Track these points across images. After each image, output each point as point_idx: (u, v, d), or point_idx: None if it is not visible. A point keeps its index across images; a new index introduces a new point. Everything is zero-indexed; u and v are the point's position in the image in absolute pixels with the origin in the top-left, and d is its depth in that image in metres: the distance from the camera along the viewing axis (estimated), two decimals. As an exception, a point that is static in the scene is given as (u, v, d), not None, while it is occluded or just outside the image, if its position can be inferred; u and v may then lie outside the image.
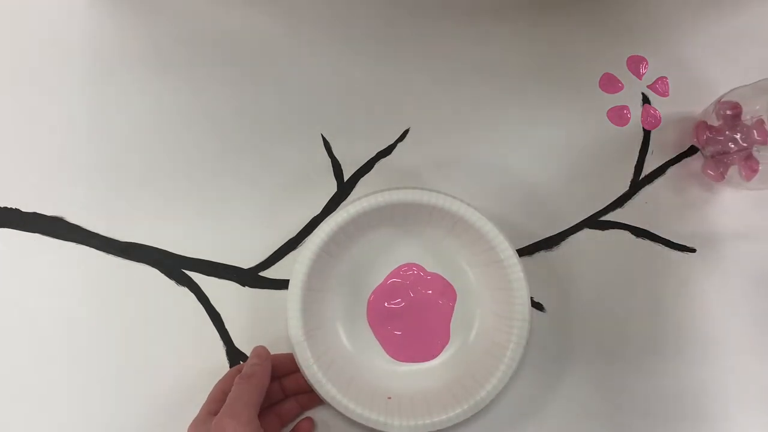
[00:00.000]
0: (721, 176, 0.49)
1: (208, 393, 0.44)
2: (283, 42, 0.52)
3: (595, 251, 0.50)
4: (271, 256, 0.49)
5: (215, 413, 0.41)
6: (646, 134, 0.52)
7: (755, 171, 0.46)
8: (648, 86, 0.53)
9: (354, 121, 0.51)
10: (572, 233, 0.51)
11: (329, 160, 0.51)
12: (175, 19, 0.52)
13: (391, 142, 0.51)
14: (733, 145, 0.48)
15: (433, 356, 0.48)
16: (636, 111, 0.53)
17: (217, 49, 0.51)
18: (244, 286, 0.49)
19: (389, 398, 0.46)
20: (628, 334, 0.49)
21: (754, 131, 0.45)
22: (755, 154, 0.46)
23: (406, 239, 0.49)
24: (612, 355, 0.49)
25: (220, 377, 0.45)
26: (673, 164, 0.52)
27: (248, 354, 0.47)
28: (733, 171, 0.49)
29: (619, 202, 0.51)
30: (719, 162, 0.49)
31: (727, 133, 0.48)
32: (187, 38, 0.51)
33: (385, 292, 0.48)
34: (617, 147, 0.52)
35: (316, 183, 0.50)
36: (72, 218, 0.48)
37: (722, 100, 0.49)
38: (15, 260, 0.48)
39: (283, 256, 0.49)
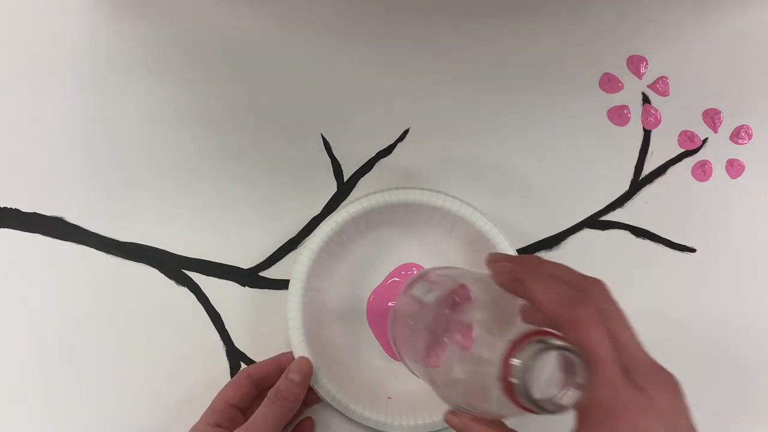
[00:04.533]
0: None
1: (209, 397, 0.43)
2: (283, 42, 0.52)
3: (595, 251, 0.50)
4: (271, 256, 0.49)
5: (214, 425, 0.40)
6: (647, 134, 0.52)
7: None
8: (648, 86, 0.53)
9: (354, 121, 0.51)
10: (572, 233, 0.51)
11: (329, 160, 0.50)
12: (175, 20, 0.52)
13: (391, 142, 0.51)
14: None
15: (433, 356, 0.48)
16: (636, 111, 0.53)
17: (217, 50, 0.51)
18: (244, 286, 0.48)
19: (389, 398, 0.46)
20: (628, 334, 0.49)
21: None
22: None
23: (406, 239, 0.49)
24: (612, 355, 0.49)
25: (220, 377, 0.45)
26: (673, 164, 0.52)
27: (248, 354, 0.47)
28: None
29: (619, 202, 0.51)
30: None
31: None
32: (188, 39, 0.51)
33: (385, 292, 0.48)
34: (617, 147, 0.52)
35: (316, 183, 0.50)
36: (72, 218, 0.48)
37: None
38: (15, 260, 0.48)
39: (283, 256, 0.49)
